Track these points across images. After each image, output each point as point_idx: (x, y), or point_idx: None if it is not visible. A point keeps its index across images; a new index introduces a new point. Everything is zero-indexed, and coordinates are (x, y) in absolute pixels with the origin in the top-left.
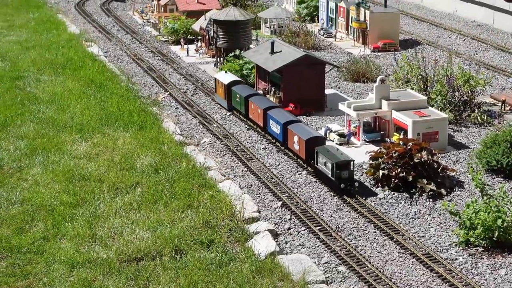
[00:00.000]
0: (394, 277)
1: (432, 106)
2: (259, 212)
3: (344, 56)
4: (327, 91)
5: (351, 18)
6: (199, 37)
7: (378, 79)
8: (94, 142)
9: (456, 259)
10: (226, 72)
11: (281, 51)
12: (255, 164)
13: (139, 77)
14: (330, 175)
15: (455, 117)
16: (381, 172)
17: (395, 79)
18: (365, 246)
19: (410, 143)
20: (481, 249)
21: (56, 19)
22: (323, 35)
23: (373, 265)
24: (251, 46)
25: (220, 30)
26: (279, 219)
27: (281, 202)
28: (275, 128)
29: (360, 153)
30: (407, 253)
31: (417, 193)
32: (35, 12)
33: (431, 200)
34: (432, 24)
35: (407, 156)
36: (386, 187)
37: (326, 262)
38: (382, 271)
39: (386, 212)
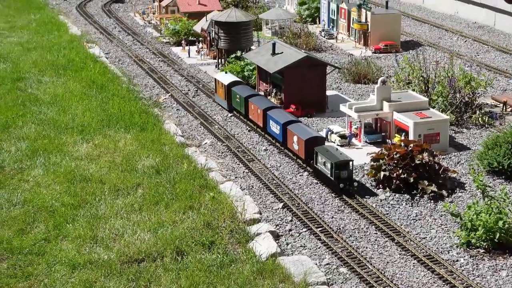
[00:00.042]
0: (395, 279)
1: (433, 107)
2: (260, 214)
3: (345, 57)
4: (328, 93)
5: (353, 20)
6: (200, 39)
7: (379, 80)
8: (95, 144)
9: (457, 260)
10: (226, 72)
11: (282, 52)
12: (256, 166)
13: (141, 79)
14: (329, 175)
15: (456, 118)
16: (382, 173)
17: (396, 80)
18: (366, 248)
19: (411, 145)
20: (482, 251)
21: (58, 21)
22: (324, 37)
23: (374, 267)
24: (252, 47)
25: (222, 32)
26: (280, 220)
27: (282, 204)
28: (275, 128)
29: (361, 154)
30: (408, 254)
31: (418, 195)
32: (37, 14)
33: (432, 201)
34: (433, 25)
35: (408, 158)
36: (387, 189)
37: (327, 264)
38: (383, 272)
39: (387, 214)
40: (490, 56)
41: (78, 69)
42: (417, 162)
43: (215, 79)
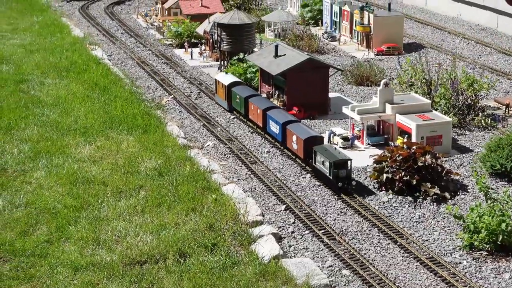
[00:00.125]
0: (398, 281)
1: (436, 109)
2: (263, 216)
3: (348, 59)
4: (331, 95)
5: (355, 22)
6: (203, 41)
7: (382, 82)
8: (98, 146)
9: (460, 263)
10: (226, 73)
11: (285, 54)
12: (258, 168)
13: (143, 81)
14: (328, 174)
15: (459, 120)
16: (385, 175)
17: (399, 82)
18: (369, 250)
19: (414, 147)
20: (485, 253)
21: (60, 23)
22: (327, 39)
23: (377, 269)
24: (255, 49)
25: (224, 34)
26: (283, 222)
27: (284, 206)
28: (274, 128)
29: (363, 156)
30: (411, 256)
31: (421, 197)
32: (39, 16)
33: (435, 203)
34: (436, 27)
35: (411, 160)
36: (390, 191)
37: (330, 266)
38: (386, 274)
39: (390, 216)
40: (492, 58)
41: (81, 71)
42: (420, 164)
43: (216, 79)
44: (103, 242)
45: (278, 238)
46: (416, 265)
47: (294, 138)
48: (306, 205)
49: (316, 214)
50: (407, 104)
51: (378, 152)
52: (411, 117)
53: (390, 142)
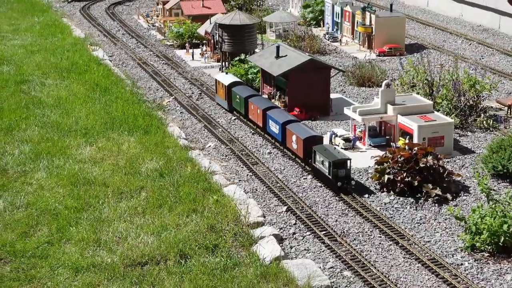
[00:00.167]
0: (400, 282)
1: (438, 110)
2: (264, 217)
3: (349, 60)
4: (333, 96)
5: (357, 23)
6: (204, 41)
7: (383, 83)
8: (98, 147)
9: (461, 264)
10: (226, 73)
11: (286, 55)
12: (260, 169)
13: (144, 81)
14: (327, 174)
15: (460, 121)
16: (386, 176)
17: (400, 83)
18: (371, 251)
19: (416, 148)
20: (487, 254)
21: (61, 23)
22: (328, 40)
23: (378, 270)
24: (257, 50)
25: (226, 34)
26: (284, 223)
27: (286, 207)
28: (274, 128)
29: (365, 157)
30: (412, 258)
31: (422, 198)
32: (40, 16)
33: (436, 205)
34: (438, 28)
35: (413, 161)
36: (392, 192)
37: (331, 267)
38: (387, 276)
39: (391, 217)
40: (494, 59)
41: (82, 71)
42: (422, 165)
43: (216, 79)
44: (104, 243)
45: (279, 239)
46: (418, 267)
47: (294, 138)
48: (308, 206)
49: (317, 215)
50: (409, 105)
51: (380, 153)
52: (413, 118)
53: (391, 143)
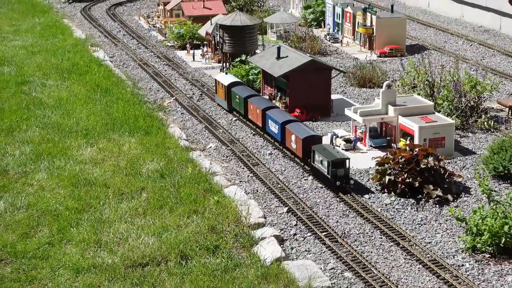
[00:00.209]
0: (401, 283)
1: (439, 111)
2: (265, 218)
3: (350, 61)
4: (333, 97)
5: (358, 23)
6: (205, 42)
7: (384, 84)
8: (99, 147)
9: (462, 265)
10: (226, 73)
11: (287, 56)
12: (261, 170)
13: (145, 82)
14: (326, 173)
15: (461, 122)
16: (387, 177)
17: (401, 84)
18: (371, 252)
19: (417, 149)
20: (488, 255)
21: (62, 24)
22: (329, 40)
23: (379, 271)
24: (257, 51)
25: (226, 35)
26: (285, 224)
27: (287, 208)
28: (274, 128)
29: (366, 158)
30: (413, 259)
31: (423, 199)
32: (41, 17)
33: (437, 206)
34: (438, 29)
35: (414, 162)
36: (392, 193)
37: (332, 268)
38: (388, 277)
39: (392, 218)
40: (495, 60)
41: (83, 72)
42: (422, 166)
43: (216, 79)
44: (104, 244)
45: (280, 240)
46: (419, 268)
47: (293, 137)
48: (308, 207)
49: (318, 216)
50: (409, 106)
51: (381, 154)
52: (413, 119)
53: (392, 144)
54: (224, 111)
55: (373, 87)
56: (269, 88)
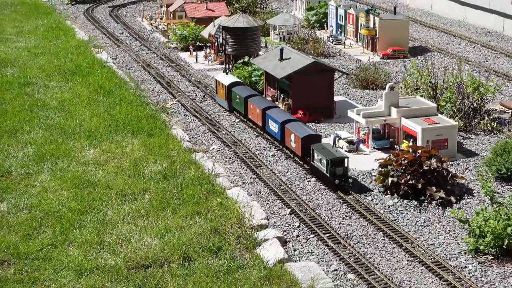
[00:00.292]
0: (403, 285)
1: (442, 113)
2: (268, 219)
3: (353, 63)
4: (336, 98)
5: (361, 25)
6: (208, 44)
7: (387, 86)
8: (102, 149)
9: (465, 267)
10: (226, 73)
11: (290, 58)
12: (263, 171)
13: (148, 84)
14: (325, 172)
15: (464, 124)
16: (390, 179)
17: (404, 86)
18: (374, 254)
19: (420, 151)
20: (491, 257)
21: (65, 26)
22: (332, 42)
23: (382, 273)
24: (260, 53)
25: (229, 37)
26: (288, 226)
27: (289, 209)
28: (273, 127)
29: (369, 160)
30: (416, 261)
31: (426, 201)
32: (44, 19)
33: (440, 207)
34: (441, 31)
35: (417, 164)
36: (395, 195)
37: (335, 270)
38: (391, 279)
39: (395, 220)
40: (498, 62)
41: (86, 74)
42: (425, 168)
43: (216, 80)
44: (107, 246)
45: (283, 242)
46: (422, 269)
47: (293, 136)
48: (311, 209)
49: (321, 218)
50: (412, 107)
51: (384, 155)
52: (416, 121)
53: (395, 146)
54: (227, 112)
55: (376, 88)
56: (272, 89)
